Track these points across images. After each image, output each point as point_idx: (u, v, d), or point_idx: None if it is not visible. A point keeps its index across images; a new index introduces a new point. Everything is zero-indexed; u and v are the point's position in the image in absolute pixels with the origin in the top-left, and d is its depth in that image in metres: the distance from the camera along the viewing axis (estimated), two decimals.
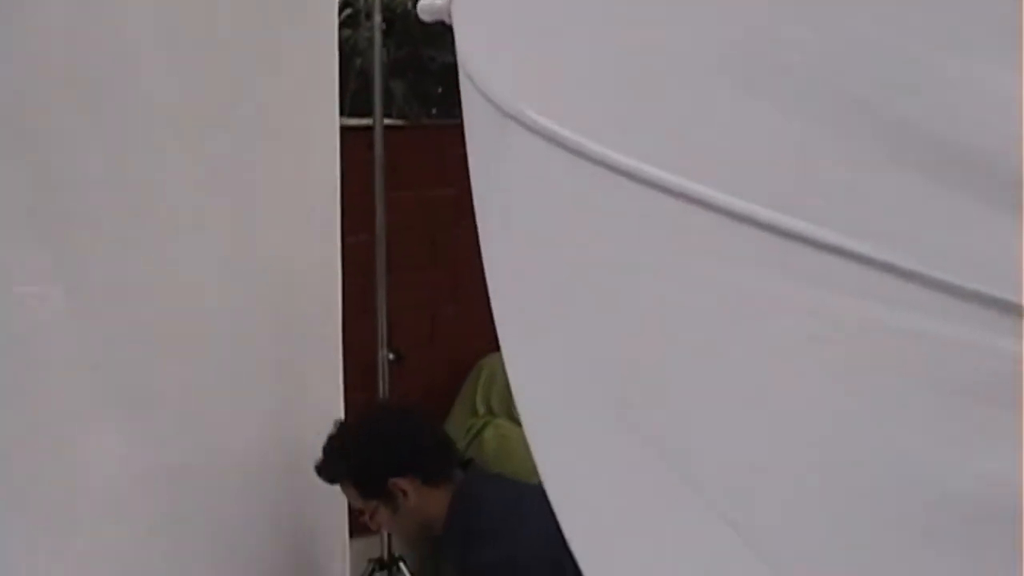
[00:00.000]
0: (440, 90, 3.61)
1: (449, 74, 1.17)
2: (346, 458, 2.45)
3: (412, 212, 3.50)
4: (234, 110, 2.46)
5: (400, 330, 3.15)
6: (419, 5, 1.21)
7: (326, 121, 2.62)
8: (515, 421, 3.49)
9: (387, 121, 3.07)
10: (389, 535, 2.93)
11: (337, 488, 2.53)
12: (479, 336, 3.75)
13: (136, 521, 2.41)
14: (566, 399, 1.14)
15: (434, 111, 3.63)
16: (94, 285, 2.29)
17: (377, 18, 2.86)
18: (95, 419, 2.32)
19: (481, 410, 3.52)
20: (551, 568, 2.15)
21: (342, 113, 2.72)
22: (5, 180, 2.14)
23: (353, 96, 3.15)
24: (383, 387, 3.06)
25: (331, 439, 2.49)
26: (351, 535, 2.86)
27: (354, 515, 2.76)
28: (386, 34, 2.96)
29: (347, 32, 3.16)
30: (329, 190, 2.64)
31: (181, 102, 2.37)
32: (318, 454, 2.54)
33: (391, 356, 3.06)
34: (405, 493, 2.39)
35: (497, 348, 3.87)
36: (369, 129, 3.00)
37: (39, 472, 2.33)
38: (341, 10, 2.88)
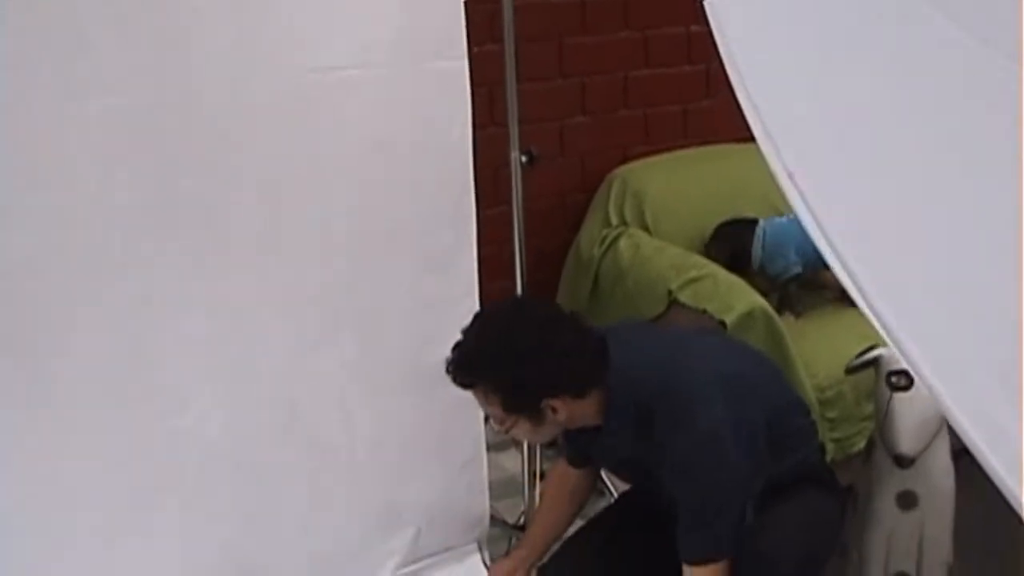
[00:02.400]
0: None
1: None
2: (497, 371, 2.19)
3: (537, 21, 3.42)
4: None
5: (529, 141, 3.12)
6: None
7: None
8: (647, 230, 3.48)
9: None
10: None
11: None
12: (609, 147, 3.75)
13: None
14: None
15: None
16: None
17: None
18: None
19: (614, 221, 3.51)
20: (726, 408, 2.18)
21: None
22: None
23: None
24: (516, 191, 3.04)
25: (477, 342, 2.24)
26: None
27: None
28: None
29: None
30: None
31: None
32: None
33: (524, 159, 3.00)
34: (555, 410, 2.22)
35: (626, 160, 3.87)
36: None
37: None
38: None
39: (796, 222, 3.26)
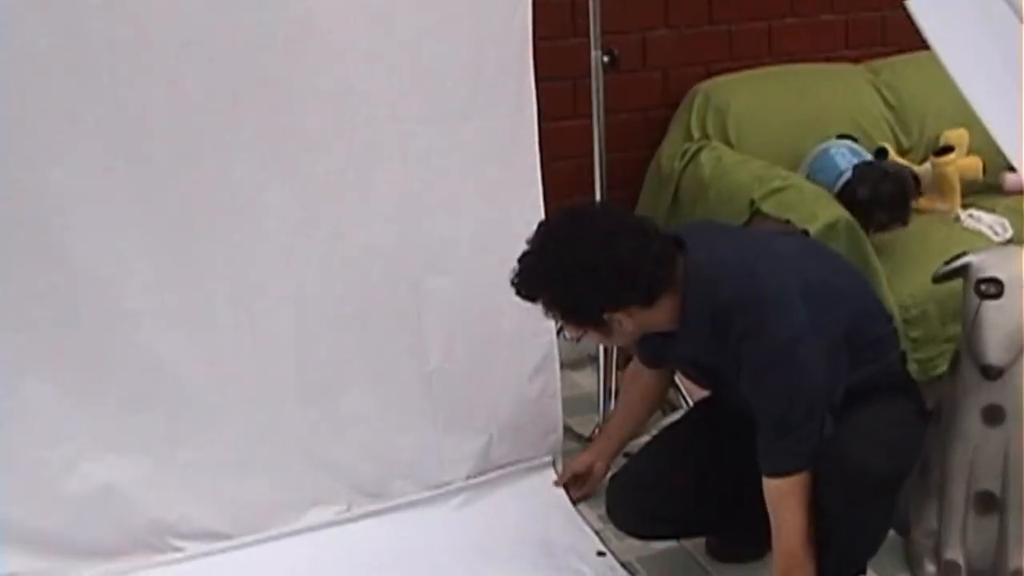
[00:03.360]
0: None
1: None
2: (554, 287, 2.16)
3: None
4: None
5: None
6: None
7: None
8: (730, 145, 3.41)
9: None
10: None
11: None
12: (692, 62, 3.67)
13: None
14: None
15: None
16: None
17: None
18: None
19: (696, 135, 3.45)
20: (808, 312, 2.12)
21: None
22: None
23: None
24: (597, 94, 3.00)
25: (537, 256, 2.19)
26: None
27: None
28: None
29: None
30: None
31: None
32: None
33: (605, 59, 2.95)
34: (621, 322, 2.18)
35: (710, 75, 3.82)
36: None
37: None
38: None
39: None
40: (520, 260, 2.21)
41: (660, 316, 2.21)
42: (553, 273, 2.16)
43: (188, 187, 2.42)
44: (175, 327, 2.50)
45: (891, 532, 2.64)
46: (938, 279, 2.51)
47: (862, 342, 2.24)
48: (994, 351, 2.34)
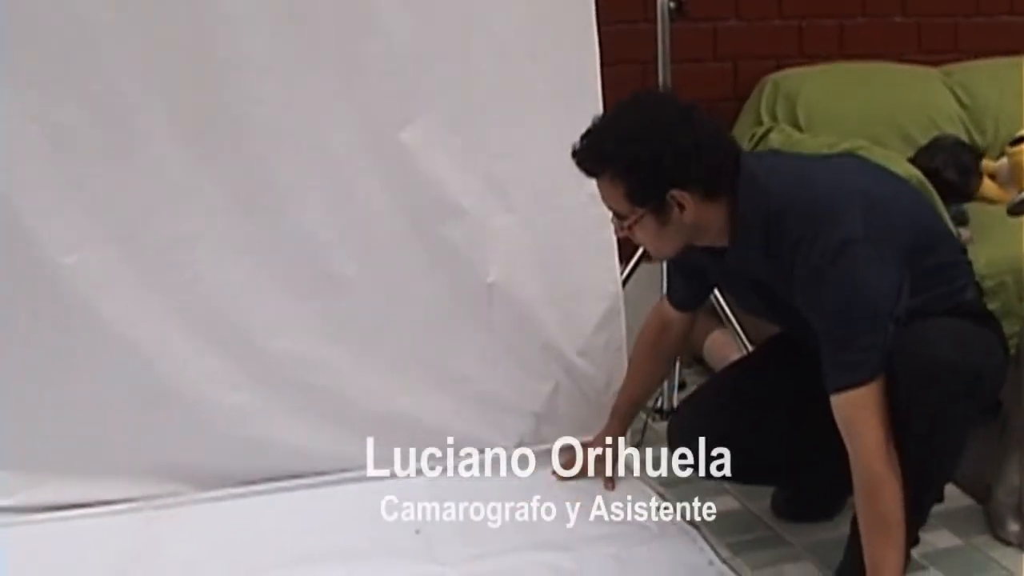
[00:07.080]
0: None
1: None
2: (627, 147, 2.05)
3: None
4: None
5: (681, 43, 3.07)
6: None
7: None
8: (799, 128, 3.39)
9: None
10: None
11: None
12: (762, 55, 3.67)
13: None
14: None
15: None
16: None
17: None
18: None
19: (766, 119, 3.46)
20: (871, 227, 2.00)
21: None
22: None
23: None
24: (662, 48, 3.00)
25: (607, 124, 2.12)
26: None
27: None
28: None
29: None
30: None
31: None
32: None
33: (672, 4, 2.92)
34: (682, 208, 2.07)
35: (780, 68, 3.77)
36: None
37: None
38: None
39: None
40: (586, 134, 2.14)
41: (713, 218, 2.11)
42: (630, 132, 2.07)
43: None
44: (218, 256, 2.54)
45: (971, 501, 2.53)
46: (1014, 209, 2.44)
47: (928, 264, 2.10)
48: None
